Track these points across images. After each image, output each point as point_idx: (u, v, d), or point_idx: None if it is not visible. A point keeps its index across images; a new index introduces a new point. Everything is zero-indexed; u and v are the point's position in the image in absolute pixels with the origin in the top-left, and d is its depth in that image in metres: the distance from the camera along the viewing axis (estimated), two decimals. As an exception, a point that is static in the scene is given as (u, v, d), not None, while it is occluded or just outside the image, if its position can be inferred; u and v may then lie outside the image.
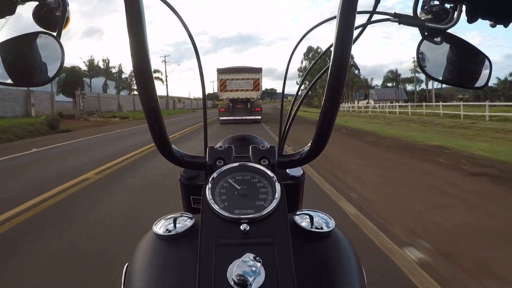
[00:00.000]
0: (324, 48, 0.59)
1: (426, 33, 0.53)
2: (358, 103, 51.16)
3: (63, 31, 0.47)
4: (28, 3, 0.48)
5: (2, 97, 17.73)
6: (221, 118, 16.94)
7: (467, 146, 6.66)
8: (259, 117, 16.69)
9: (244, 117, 16.58)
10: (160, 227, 0.44)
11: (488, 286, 1.85)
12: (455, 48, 0.54)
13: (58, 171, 5.40)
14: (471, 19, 0.48)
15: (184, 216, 0.46)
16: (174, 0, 0.51)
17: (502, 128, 11.12)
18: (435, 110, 23.07)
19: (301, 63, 62.33)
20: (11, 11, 0.47)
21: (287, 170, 0.58)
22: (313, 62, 0.68)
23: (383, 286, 1.87)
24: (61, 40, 0.47)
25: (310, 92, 0.70)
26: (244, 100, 17.07)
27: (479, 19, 0.48)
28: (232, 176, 0.45)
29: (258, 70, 17.45)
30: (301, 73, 60.39)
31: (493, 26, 0.48)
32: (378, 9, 0.55)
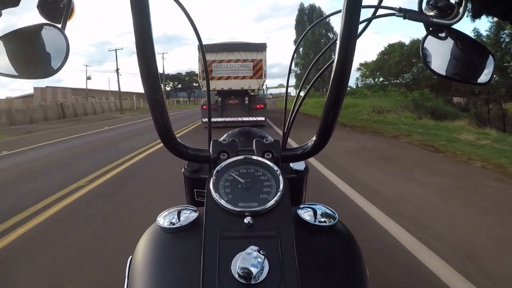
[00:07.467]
0: None
1: (430, 28, 0.53)
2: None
3: (68, 22, 0.47)
4: None
5: None
6: (204, 120, 10.24)
7: None
8: (263, 118, 10.42)
9: (240, 119, 10.31)
10: (164, 220, 0.44)
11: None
12: (459, 43, 0.53)
13: None
14: (476, 15, 0.48)
15: (188, 209, 0.46)
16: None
17: None
18: None
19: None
20: (15, 2, 0.46)
21: (290, 164, 0.58)
22: (316, 57, 0.67)
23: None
24: (66, 32, 0.46)
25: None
26: (239, 92, 10.68)
27: (484, 15, 0.48)
28: (236, 169, 0.45)
29: (261, 48, 10.66)
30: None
31: (498, 22, 0.48)
32: (383, 3, 0.55)
